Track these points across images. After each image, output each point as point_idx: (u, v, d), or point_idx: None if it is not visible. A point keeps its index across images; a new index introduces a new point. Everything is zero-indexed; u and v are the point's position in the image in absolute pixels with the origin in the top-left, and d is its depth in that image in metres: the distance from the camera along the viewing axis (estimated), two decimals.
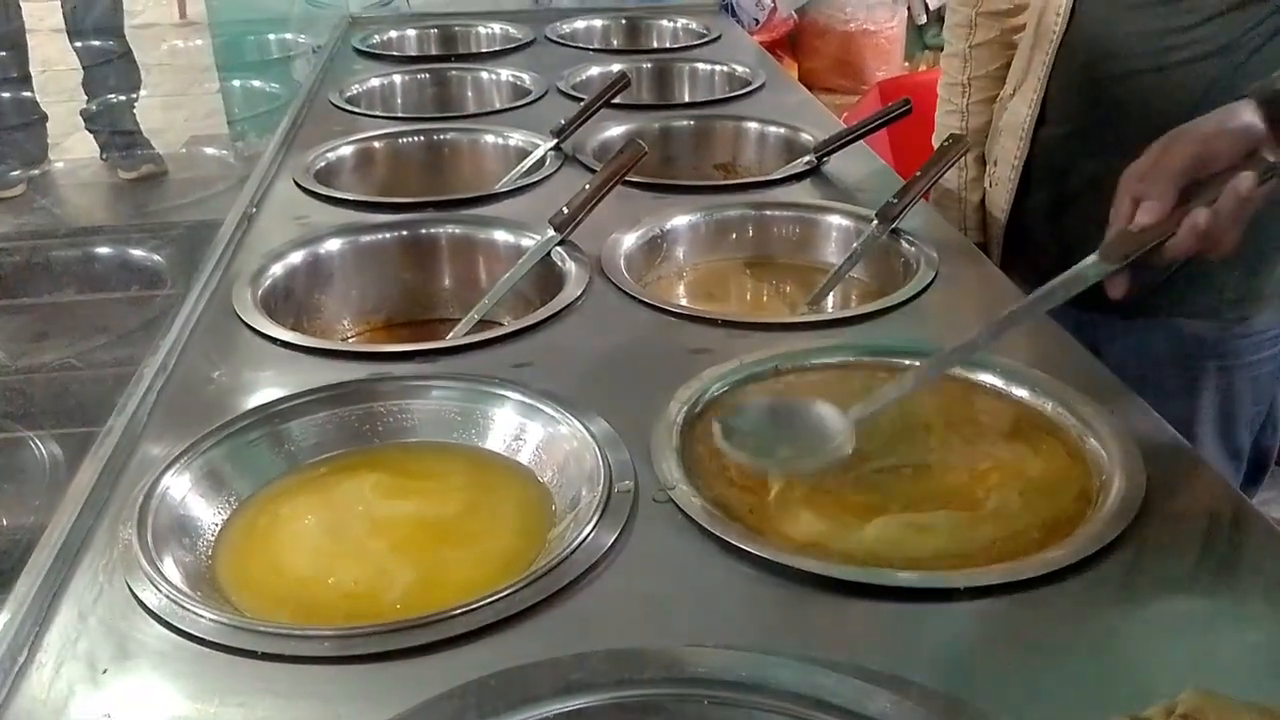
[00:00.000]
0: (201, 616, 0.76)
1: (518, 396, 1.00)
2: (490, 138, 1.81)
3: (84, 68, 3.47)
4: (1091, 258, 0.91)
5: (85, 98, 3.48)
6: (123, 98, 3.47)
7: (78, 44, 3.47)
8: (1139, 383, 1.05)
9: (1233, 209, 0.85)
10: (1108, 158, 1.32)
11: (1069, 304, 0.94)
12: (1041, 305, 0.95)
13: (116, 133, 3.37)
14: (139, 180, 3.17)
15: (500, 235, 1.41)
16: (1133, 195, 0.89)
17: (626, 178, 1.38)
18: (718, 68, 2.24)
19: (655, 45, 2.57)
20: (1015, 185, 1.45)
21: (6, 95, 3.35)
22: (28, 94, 3.38)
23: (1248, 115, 0.88)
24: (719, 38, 2.44)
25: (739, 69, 2.19)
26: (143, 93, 3.54)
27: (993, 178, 1.50)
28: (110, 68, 3.46)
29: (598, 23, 2.60)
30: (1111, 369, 1.08)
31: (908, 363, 1.06)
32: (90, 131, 3.42)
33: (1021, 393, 1.02)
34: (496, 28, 2.53)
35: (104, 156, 3.34)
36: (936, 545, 0.84)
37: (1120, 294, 0.92)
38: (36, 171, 3.12)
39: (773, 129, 1.84)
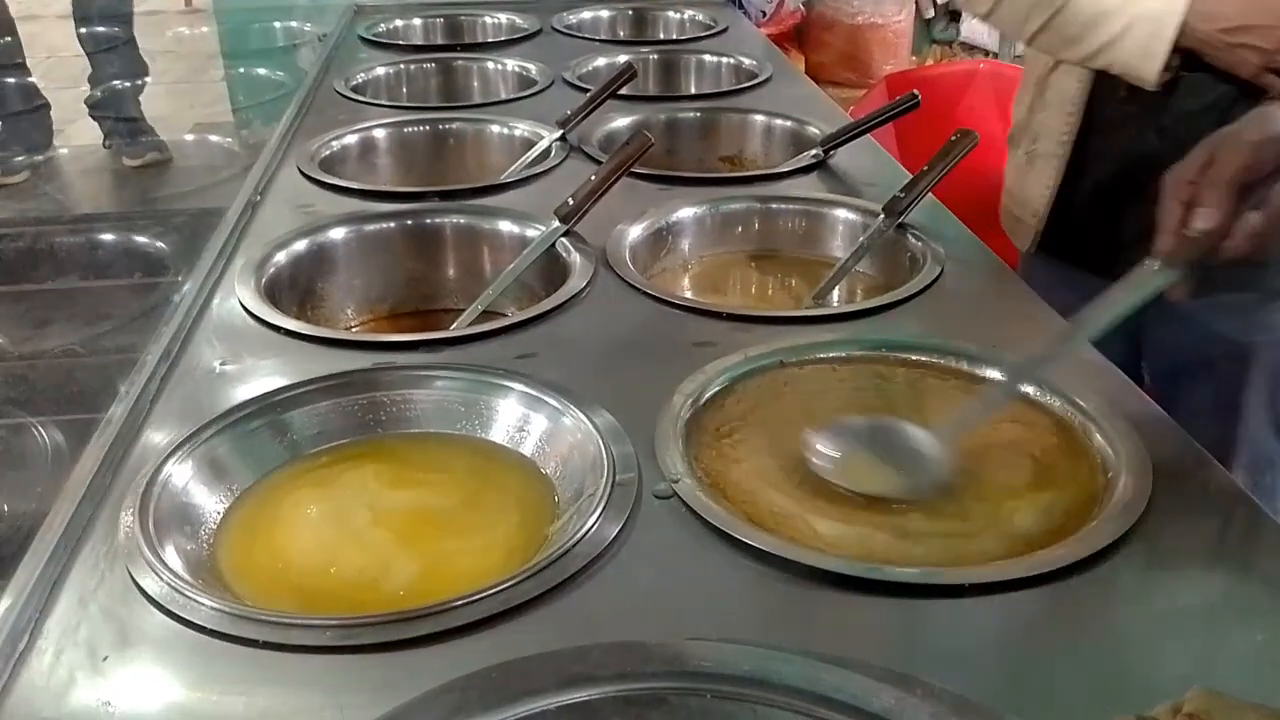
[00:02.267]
0: (203, 605, 0.75)
1: (521, 388, 1.00)
2: (496, 128, 1.80)
3: (88, 55, 3.45)
4: (1152, 264, 0.90)
5: (90, 85, 3.47)
6: (127, 84, 3.45)
7: (82, 30, 3.46)
8: (1188, 362, 1.03)
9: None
10: (1166, 135, 1.30)
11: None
12: (1107, 314, 0.93)
13: (121, 120, 3.36)
14: (143, 168, 3.16)
15: (505, 226, 1.40)
16: (1182, 199, 0.89)
17: (632, 169, 1.37)
18: (724, 60, 2.23)
19: (662, 36, 2.57)
20: (1064, 164, 1.42)
21: (12, 81, 3.34)
22: (30, 80, 3.36)
23: None
24: (726, 29, 2.43)
25: (746, 61, 2.18)
26: (148, 79, 3.53)
27: (1031, 155, 1.46)
28: (115, 55, 3.45)
29: (604, 13, 2.59)
30: (1160, 350, 1.06)
31: (922, 358, 1.06)
32: (95, 119, 3.41)
33: (1027, 388, 1.01)
34: (502, 17, 2.52)
35: (107, 144, 3.33)
36: (941, 548, 0.84)
37: (1181, 298, 0.92)
38: (41, 158, 3.12)
39: (779, 122, 1.83)
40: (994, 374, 1.03)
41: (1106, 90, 1.36)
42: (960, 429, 0.93)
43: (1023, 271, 1.46)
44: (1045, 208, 1.45)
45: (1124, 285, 0.91)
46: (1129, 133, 1.35)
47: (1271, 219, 0.87)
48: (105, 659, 0.72)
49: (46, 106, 3.33)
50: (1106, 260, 1.19)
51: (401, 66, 2.19)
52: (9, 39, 3.30)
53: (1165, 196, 0.91)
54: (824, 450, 0.93)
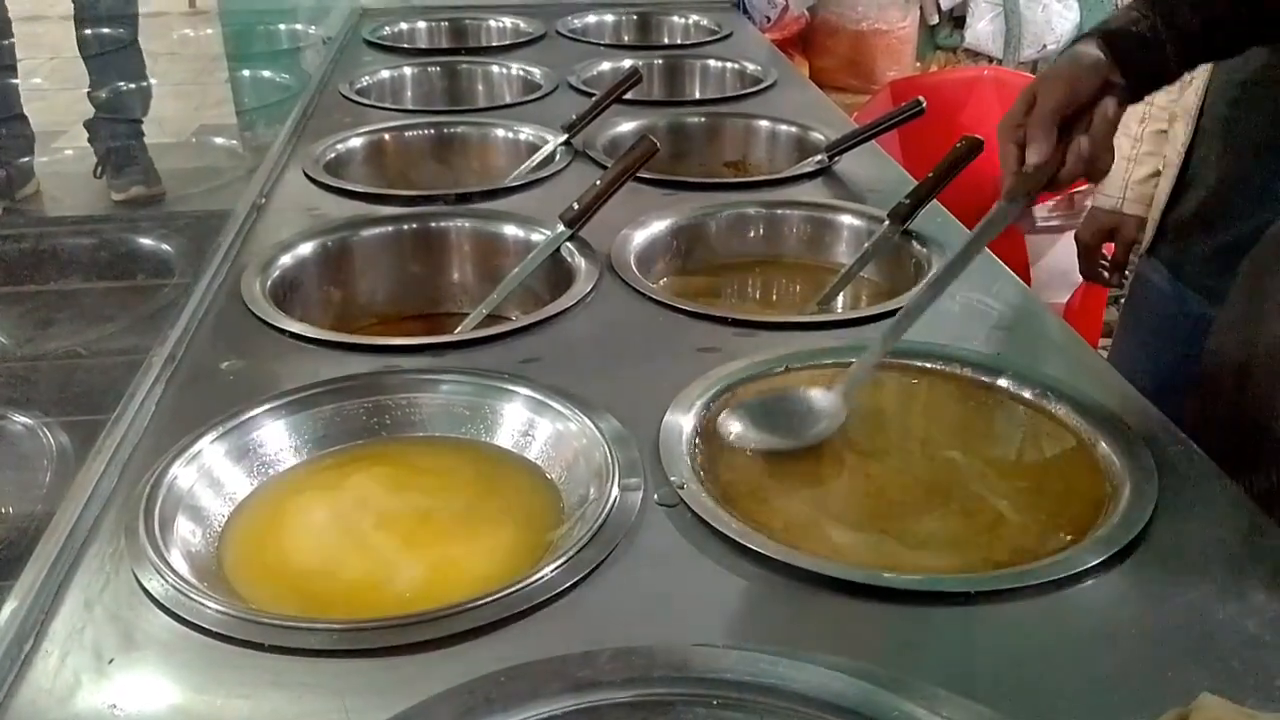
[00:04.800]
0: (208, 607, 0.75)
1: (527, 392, 1.00)
2: (501, 132, 1.80)
3: (89, 86, 3.31)
4: (999, 203, 0.99)
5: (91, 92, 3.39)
6: (125, 123, 3.33)
7: (86, 56, 3.34)
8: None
9: (1105, 132, 0.95)
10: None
11: (1201, 302, 1.13)
12: (971, 253, 1.02)
13: (115, 151, 3.24)
14: (127, 203, 3.03)
15: (510, 230, 1.40)
16: (1014, 141, 0.97)
17: (637, 174, 1.37)
18: (729, 65, 2.24)
19: (667, 41, 2.57)
20: (1177, 172, 1.44)
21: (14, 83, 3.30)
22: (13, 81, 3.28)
23: (1093, 50, 0.96)
24: (730, 35, 2.44)
25: (750, 66, 2.18)
26: (152, 81, 3.51)
27: (1164, 161, 1.49)
28: (121, 98, 3.35)
29: (609, 18, 2.59)
30: None
31: (926, 364, 1.06)
32: (91, 144, 3.28)
33: (1031, 396, 1.01)
34: (507, 21, 2.53)
35: (98, 174, 3.20)
36: (950, 555, 0.84)
37: (1030, 228, 1.01)
38: (44, 158, 3.08)
39: (784, 127, 1.84)
40: (997, 380, 1.03)
41: (1218, 100, 1.38)
42: (854, 383, 0.99)
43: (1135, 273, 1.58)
44: (1160, 212, 1.48)
45: (979, 227, 1.01)
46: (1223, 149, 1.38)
47: (1096, 140, 0.95)
48: (111, 662, 0.72)
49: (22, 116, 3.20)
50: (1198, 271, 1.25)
51: (406, 70, 2.19)
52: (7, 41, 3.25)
53: (1001, 142, 0.99)
54: (737, 429, 0.97)
